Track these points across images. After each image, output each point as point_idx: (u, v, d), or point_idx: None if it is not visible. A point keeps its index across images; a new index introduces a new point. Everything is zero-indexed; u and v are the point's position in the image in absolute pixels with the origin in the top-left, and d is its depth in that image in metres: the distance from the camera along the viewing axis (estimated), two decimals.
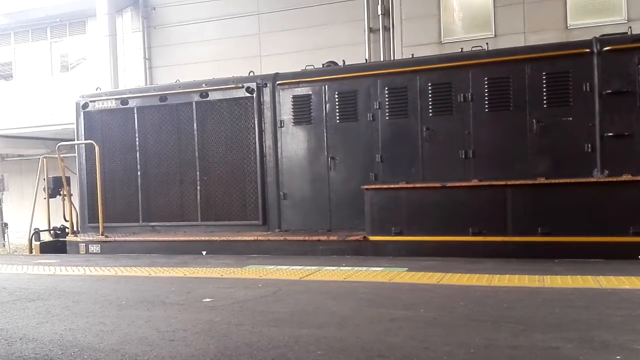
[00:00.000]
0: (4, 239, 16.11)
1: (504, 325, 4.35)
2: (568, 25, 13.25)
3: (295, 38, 15.58)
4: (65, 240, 10.99)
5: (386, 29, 14.76)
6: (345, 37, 14.92)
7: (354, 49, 14.19)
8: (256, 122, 9.96)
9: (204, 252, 9.58)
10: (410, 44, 13.77)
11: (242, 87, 10.05)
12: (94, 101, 11.10)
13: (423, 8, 14.27)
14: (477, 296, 5.44)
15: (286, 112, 9.84)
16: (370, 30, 14.98)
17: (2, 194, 16.99)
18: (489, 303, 5.15)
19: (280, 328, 4.52)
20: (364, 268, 7.30)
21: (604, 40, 8.17)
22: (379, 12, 14.82)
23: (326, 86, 9.57)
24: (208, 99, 10.28)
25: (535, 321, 4.44)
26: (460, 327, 4.38)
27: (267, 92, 9.97)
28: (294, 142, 9.81)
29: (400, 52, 13.99)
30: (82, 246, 10.55)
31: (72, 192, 11.34)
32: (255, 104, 9.98)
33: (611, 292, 5.42)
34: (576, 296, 5.28)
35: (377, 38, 14.83)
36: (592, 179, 7.90)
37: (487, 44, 9.49)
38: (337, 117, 9.49)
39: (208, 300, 5.70)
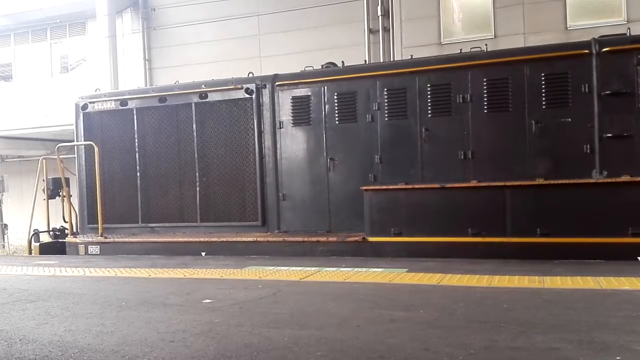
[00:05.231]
0: (3, 240, 16.11)
1: (504, 326, 4.34)
2: (568, 26, 13.29)
3: (295, 39, 15.60)
4: (65, 242, 10.98)
5: (386, 30, 14.78)
6: (345, 38, 14.94)
7: (353, 50, 14.22)
8: (255, 123, 9.97)
9: (203, 253, 9.57)
10: (410, 45, 13.79)
11: (241, 88, 10.04)
12: (93, 102, 11.10)
13: (423, 9, 14.30)
14: (477, 297, 5.44)
15: (285, 113, 9.84)
16: (370, 31, 15.01)
17: (2, 195, 16.99)
18: (489, 304, 5.15)
19: (280, 329, 4.51)
20: (364, 269, 7.30)
21: (602, 41, 8.18)
22: (379, 13, 14.85)
23: (325, 87, 9.57)
24: (207, 100, 10.28)
25: (535, 322, 4.44)
26: (460, 328, 4.38)
27: (266, 93, 9.97)
28: (293, 143, 9.80)
29: (400, 53, 14.02)
30: (81, 247, 10.55)
31: (71, 193, 11.34)
32: (254, 105, 9.98)
33: (611, 293, 5.42)
34: (576, 297, 5.28)
35: (377, 39, 14.86)
36: (591, 180, 7.89)
37: (485, 45, 9.51)
38: (337, 118, 9.49)
39: (208, 301, 5.69)
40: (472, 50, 9.18)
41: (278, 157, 9.88)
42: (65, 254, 10.75)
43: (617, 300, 5.09)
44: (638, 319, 4.47)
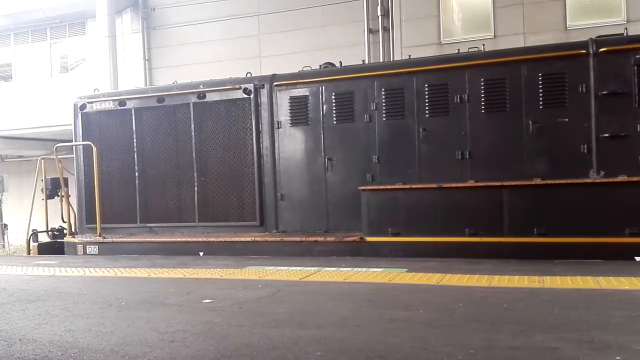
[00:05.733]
0: (3, 240, 16.10)
1: (503, 326, 4.36)
2: (567, 26, 13.31)
3: (295, 39, 15.61)
4: (63, 242, 10.97)
5: (386, 30, 14.80)
6: (345, 38, 14.96)
7: (353, 50, 14.24)
8: (253, 123, 9.97)
9: (201, 253, 9.58)
10: (410, 45, 13.81)
11: (240, 88, 10.05)
12: (91, 102, 11.09)
13: (423, 9, 14.32)
14: (476, 297, 5.45)
15: (283, 113, 9.84)
16: (370, 31, 15.03)
17: (2, 195, 16.98)
18: (489, 304, 5.16)
19: (280, 329, 4.52)
20: (364, 269, 7.31)
21: (600, 41, 8.20)
22: (379, 13, 14.87)
23: (323, 87, 9.57)
24: (205, 100, 10.28)
25: (535, 322, 4.45)
26: (460, 327, 4.39)
27: (264, 93, 9.97)
28: (291, 143, 9.81)
29: (400, 53, 14.03)
30: (79, 247, 10.54)
31: (70, 193, 11.33)
32: (252, 105, 9.98)
33: (611, 292, 5.44)
34: (576, 297, 5.29)
35: (377, 39, 14.87)
36: (588, 180, 7.91)
37: (483, 45, 9.52)
38: (334, 118, 9.49)
39: (208, 301, 5.70)
40: (469, 50, 9.20)
41: (276, 157, 9.88)
42: (63, 254, 10.75)
43: (616, 300, 5.11)
44: (638, 319, 4.48)
